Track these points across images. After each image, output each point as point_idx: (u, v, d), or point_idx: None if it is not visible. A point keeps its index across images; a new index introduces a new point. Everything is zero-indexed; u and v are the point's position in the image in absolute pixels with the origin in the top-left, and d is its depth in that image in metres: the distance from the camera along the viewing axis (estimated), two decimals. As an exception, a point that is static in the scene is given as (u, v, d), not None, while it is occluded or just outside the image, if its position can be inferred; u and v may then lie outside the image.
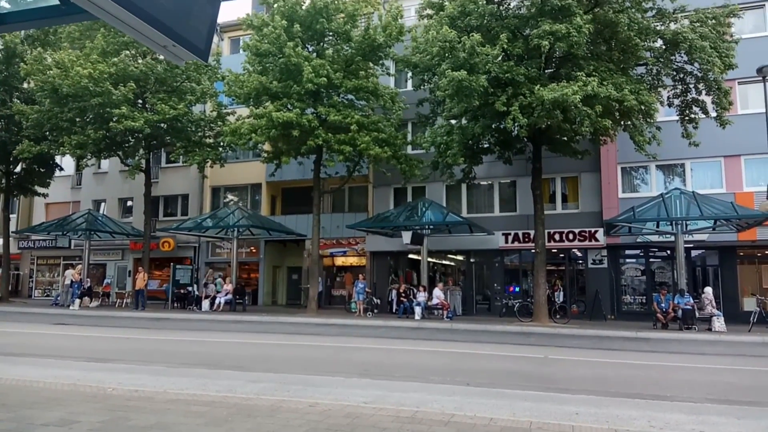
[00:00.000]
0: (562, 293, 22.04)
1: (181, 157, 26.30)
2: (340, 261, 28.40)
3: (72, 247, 29.20)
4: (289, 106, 20.95)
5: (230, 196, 30.80)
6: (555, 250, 22.92)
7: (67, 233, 27.64)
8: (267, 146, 23.58)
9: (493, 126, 18.63)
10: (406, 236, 21.48)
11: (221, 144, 24.94)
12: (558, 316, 19.62)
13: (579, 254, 23.13)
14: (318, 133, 20.52)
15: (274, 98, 21.32)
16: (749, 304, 20.04)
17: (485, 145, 20.37)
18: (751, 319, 17.70)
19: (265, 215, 28.19)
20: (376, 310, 22.52)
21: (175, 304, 25.13)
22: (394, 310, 22.66)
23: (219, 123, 25.51)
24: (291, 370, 8.75)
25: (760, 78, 18.14)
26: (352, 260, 28.03)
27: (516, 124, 16.74)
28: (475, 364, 10.60)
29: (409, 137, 23.93)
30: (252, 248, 29.36)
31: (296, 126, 20.14)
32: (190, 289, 25.60)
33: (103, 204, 32.95)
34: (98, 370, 8.19)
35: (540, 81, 16.61)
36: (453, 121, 19.42)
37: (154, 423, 5.06)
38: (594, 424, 5.34)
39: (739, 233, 19.68)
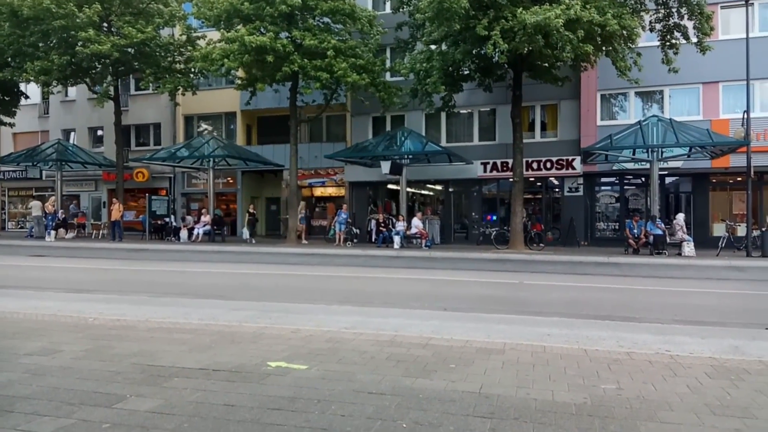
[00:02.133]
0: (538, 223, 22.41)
1: (150, 84, 25.31)
2: (318, 191, 28.32)
3: (43, 178, 28.50)
4: (262, 29, 20.09)
5: (204, 125, 30.06)
6: (532, 179, 23.10)
7: (37, 164, 26.89)
8: (240, 72, 22.79)
9: (473, 52, 18.20)
10: (385, 166, 21.37)
11: (192, 70, 24.06)
12: (534, 244, 20.04)
13: (556, 182, 23.38)
14: (293, 59, 19.85)
15: (246, 21, 20.40)
16: (719, 229, 20.70)
17: (465, 72, 19.98)
18: (720, 244, 18.34)
19: (240, 145, 27.68)
20: (356, 240, 22.74)
21: (153, 236, 25.01)
22: (373, 240, 22.90)
23: (189, 48, 24.49)
24: (272, 298, 8.86)
25: (743, 1, 17.87)
26: (330, 191, 27.97)
27: (497, 50, 16.36)
28: (452, 291, 10.87)
29: (388, 63, 23.30)
30: (229, 179, 29.03)
31: (270, 51, 19.42)
32: (167, 220, 25.41)
33: (72, 134, 31.98)
34: (78, 301, 8.20)
35: (522, 3, 16.11)
36: (433, 47, 18.90)
37: (138, 351, 5.12)
38: (565, 344, 5.55)
39: (712, 160, 19.99)
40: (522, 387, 4.11)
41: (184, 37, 24.78)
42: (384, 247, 20.94)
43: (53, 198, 25.84)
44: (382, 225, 22.51)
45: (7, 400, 3.72)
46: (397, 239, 20.73)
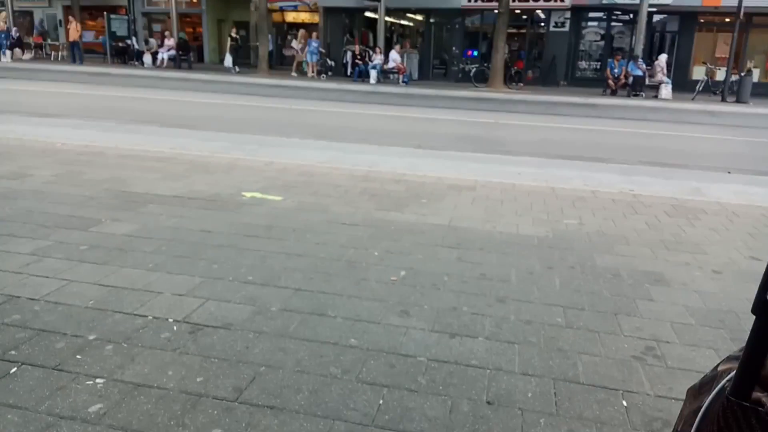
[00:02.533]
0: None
1: None
2: (290, 17, 26.59)
3: (-11, -9, 25.98)
4: None
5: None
6: (518, 11, 21.95)
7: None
8: None
9: None
10: (363, -11, 19.93)
11: None
12: (513, 83, 19.67)
13: (542, 16, 22.30)
14: None
15: None
16: (698, 72, 20.47)
17: None
18: (697, 87, 18.27)
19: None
20: (330, 73, 21.93)
21: (115, 59, 23.69)
22: (348, 73, 22.13)
23: None
24: (245, 130, 8.71)
25: None
26: (303, 16, 26.27)
27: None
28: (427, 129, 10.82)
29: None
30: (193, -2, 26.89)
31: None
32: (129, 42, 23.89)
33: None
34: (44, 126, 7.94)
35: None
36: None
37: (110, 177, 5.09)
38: (533, 183, 5.71)
39: (704, -1, 19.14)
40: (489, 221, 4.28)
41: None
42: (360, 81, 20.33)
43: (4, 14, 23.80)
44: (359, 57, 21.61)
45: (-19, 222, 3.73)
46: (373, 73, 20.07)
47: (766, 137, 11.11)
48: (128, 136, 7.40)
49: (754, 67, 19.71)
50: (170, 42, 22.58)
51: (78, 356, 2.17)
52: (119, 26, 24.17)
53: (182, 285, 2.86)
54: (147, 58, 22.53)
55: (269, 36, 23.36)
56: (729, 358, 0.63)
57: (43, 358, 2.14)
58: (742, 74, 17.77)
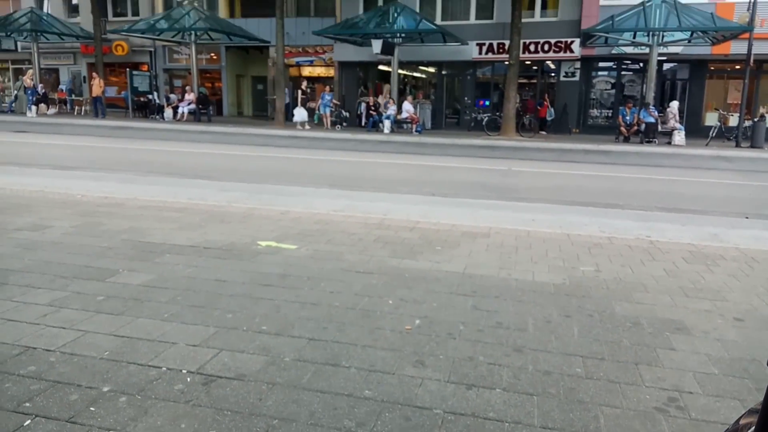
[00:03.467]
0: (552, 111, 22.00)
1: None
2: (307, 71, 27.38)
3: (19, 50, 27.16)
4: None
5: (184, -5, 28.29)
6: (528, 62, 22.41)
7: (10, 34, 25.48)
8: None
9: None
10: (377, 45, 20.51)
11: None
12: (526, 131, 19.89)
13: (552, 66, 22.72)
14: None
15: None
16: (711, 119, 20.56)
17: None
18: (711, 133, 18.30)
19: (223, 18, 26.24)
20: (345, 123, 22.37)
21: (136, 113, 24.43)
22: (363, 124, 22.56)
23: None
24: (261, 180, 8.86)
25: None
26: (319, 70, 27.04)
27: None
28: (441, 176, 10.91)
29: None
30: (212, 54, 27.87)
31: None
32: (150, 97, 24.69)
33: (46, 1, 30.01)
34: (64, 178, 8.14)
35: None
36: None
37: (128, 228, 5.16)
38: (548, 229, 5.68)
39: (713, 46, 19.41)
40: (504, 268, 4.24)
41: None
42: (374, 131, 20.69)
43: (31, 71, 24.81)
44: (373, 108, 22.07)
45: (1, 273, 3.79)
46: (387, 123, 20.44)
47: (784, 182, 11.02)
48: (147, 187, 7.56)
49: (767, 112, 19.73)
50: (190, 96, 23.29)
51: (92, 408, 2.15)
52: (141, 82, 25.05)
53: (196, 335, 2.86)
54: (168, 112, 23.21)
55: (286, 89, 24.03)
56: (750, 411, 0.61)
57: (57, 411, 2.13)
58: (755, 120, 17.80)
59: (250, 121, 24.36)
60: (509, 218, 6.27)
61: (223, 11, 26.97)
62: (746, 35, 17.14)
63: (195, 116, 22.90)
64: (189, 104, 23.10)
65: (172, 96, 24.90)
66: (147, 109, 24.45)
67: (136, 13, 28.21)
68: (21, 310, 3.14)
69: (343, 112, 22.71)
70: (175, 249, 4.51)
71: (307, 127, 21.35)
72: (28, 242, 4.58)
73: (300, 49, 25.90)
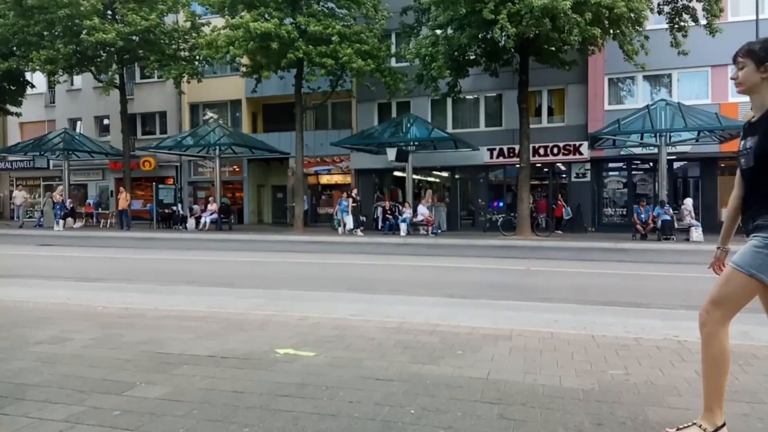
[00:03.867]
0: (569, 209, 22.20)
1: (156, 71, 25.37)
2: (324, 179, 28.34)
3: (51, 168, 28.69)
4: (266, 15, 20.02)
5: (209, 113, 30.10)
6: (539, 165, 23.01)
7: (44, 153, 27.03)
8: (245, 59, 22.74)
9: (479, 36, 18.07)
10: (391, 153, 21.34)
11: (197, 57, 24.04)
12: (541, 230, 20.01)
13: (563, 168, 23.26)
14: (298, 46, 19.78)
15: (250, 7, 20.35)
16: (726, 214, 20.55)
17: (471, 57, 19.86)
18: (727, 228, 18.22)
19: (246, 133, 27.70)
20: (362, 228, 22.74)
21: (161, 224, 25.15)
22: (379, 228, 22.92)
23: (194, 35, 24.46)
24: (279, 286, 8.90)
25: (755, -17, 17.61)
26: (336, 178, 27.98)
27: (504, 34, 16.23)
28: (459, 277, 10.87)
29: (393, 49, 23.17)
30: (235, 167, 29.10)
31: (275, 38, 19.36)
32: (174, 208, 25.52)
33: (79, 123, 32.10)
34: (87, 290, 8.26)
35: (529, -13, 15.94)
36: (438, 31, 18.79)
37: (147, 339, 5.15)
38: (572, 330, 5.54)
39: (721, 144, 19.82)
40: (529, 373, 4.11)
41: (188, 24, 24.75)
42: (390, 234, 20.96)
43: (61, 188, 25.99)
44: (389, 212, 22.51)
45: (19, 388, 3.76)
46: (403, 226, 20.74)
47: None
48: (168, 297, 7.62)
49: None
50: (213, 206, 24.05)
51: None
52: (167, 194, 26.04)
53: (212, 451, 2.76)
54: (191, 222, 23.88)
55: (305, 197, 24.78)
56: None
57: None
58: (772, 213, 17.77)
59: (270, 228, 24.91)
60: (531, 319, 6.16)
61: (246, 127, 28.53)
62: (752, 133, 17.55)
63: (217, 225, 23.50)
64: (211, 214, 23.79)
65: (195, 207, 25.74)
66: (171, 220, 25.19)
67: (163, 131, 29.97)
68: (37, 426, 3.08)
69: (360, 217, 23.13)
70: (193, 359, 4.46)
71: (359, 233, 21.36)
72: (48, 355, 4.58)
73: (318, 159, 26.99)
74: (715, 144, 19.87)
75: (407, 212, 21.13)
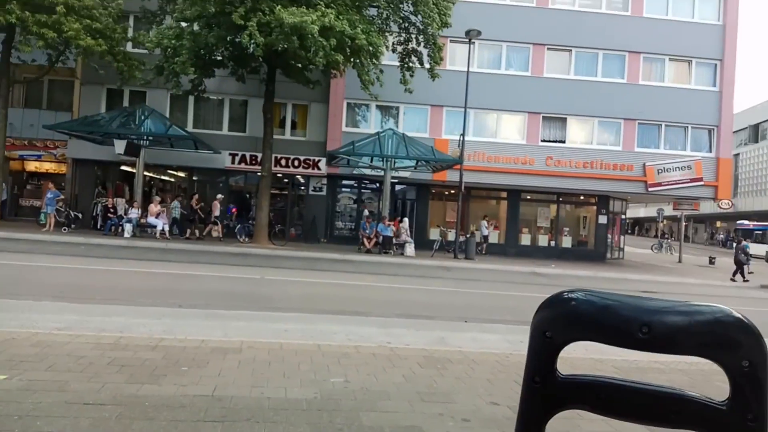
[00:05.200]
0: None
1: None
2: (32, 166, 24.26)
3: None
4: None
5: None
6: (280, 175, 23.44)
7: None
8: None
9: (228, 38, 17.68)
10: (119, 145, 19.32)
11: None
12: (277, 239, 20.35)
13: (302, 181, 24.13)
14: (11, 8, 16.65)
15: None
16: (434, 234, 23.89)
17: (218, 58, 19.28)
18: (434, 246, 21.23)
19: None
20: (73, 225, 19.96)
21: None
22: (99, 227, 20.53)
23: None
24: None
25: (467, 40, 20.98)
26: (48, 166, 24.20)
27: (252, 41, 16.18)
28: (189, 286, 10.37)
29: (131, 33, 21.12)
30: None
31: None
32: None
33: None
34: None
35: (281, 1, 16.23)
36: (184, 24, 17.78)
37: None
38: (300, 340, 5.75)
39: (434, 174, 22.94)
40: (257, 386, 4.12)
41: None
42: (112, 235, 18.94)
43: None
44: (112, 210, 20.32)
45: None
46: (128, 227, 18.93)
47: (492, 289, 13.15)
48: None
49: (476, 230, 23.80)
50: None
51: None
52: None
53: None
54: None
55: (3, 185, 20.84)
56: None
57: None
58: (468, 236, 21.27)
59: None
60: (262, 330, 6.19)
61: None
62: (458, 166, 20.77)
63: None
64: None
65: None
66: None
67: None
68: None
69: (71, 212, 20.29)
70: None
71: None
72: None
73: (26, 142, 22.97)
74: (429, 173, 22.94)
75: (134, 212, 19.34)
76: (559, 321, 0.66)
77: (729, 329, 0.60)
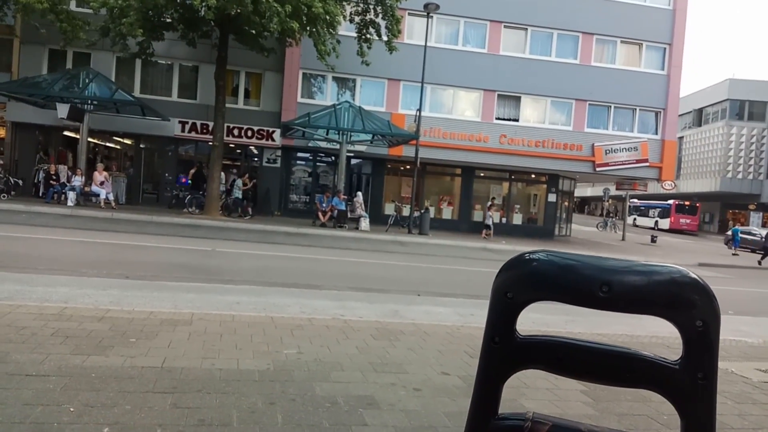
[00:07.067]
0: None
1: None
2: (-34, 128, 22.84)
3: None
4: None
5: None
6: (233, 145, 22.92)
7: None
8: None
9: (178, 0, 16.98)
10: (62, 109, 18.41)
11: None
12: (229, 211, 19.98)
13: (255, 152, 23.67)
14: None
15: None
16: (389, 209, 23.98)
17: (168, 20, 18.50)
18: (389, 221, 21.31)
19: None
20: (13, 192, 19.06)
21: None
22: (41, 194, 19.64)
23: None
24: None
25: (425, 13, 20.84)
26: (-15, 129, 22.84)
27: (204, 4, 15.59)
28: (137, 257, 10.09)
29: (75, -10, 20.00)
30: None
31: None
32: None
33: None
34: None
35: (235, -38, 15.65)
36: (132, -16, 16.93)
37: None
38: (253, 312, 5.72)
39: (390, 149, 22.91)
40: (208, 358, 4.07)
41: None
42: (54, 203, 18.16)
43: None
44: (54, 177, 19.45)
45: None
46: (72, 195, 18.19)
47: (444, 263, 13.36)
48: None
49: (430, 205, 24.01)
50: None
51: None
52: None
53: None
54: None
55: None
56: None
57: None
58: (422, 211, 21.43)
59: None
60: (213, 302, 6.11)
61: None
62: (414, 142, 20.80)
63: None
64: None
65: None
66: None
67: None
68: None
69: (11, 179, 19.35)
70: None
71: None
72: None
73: (-42, 103, 21.60)
74: (385, 147, 22.89)
75: (78, 179, 18.55)
76: (521, 281, 0.68)
77: (684, 289, 0.63)
